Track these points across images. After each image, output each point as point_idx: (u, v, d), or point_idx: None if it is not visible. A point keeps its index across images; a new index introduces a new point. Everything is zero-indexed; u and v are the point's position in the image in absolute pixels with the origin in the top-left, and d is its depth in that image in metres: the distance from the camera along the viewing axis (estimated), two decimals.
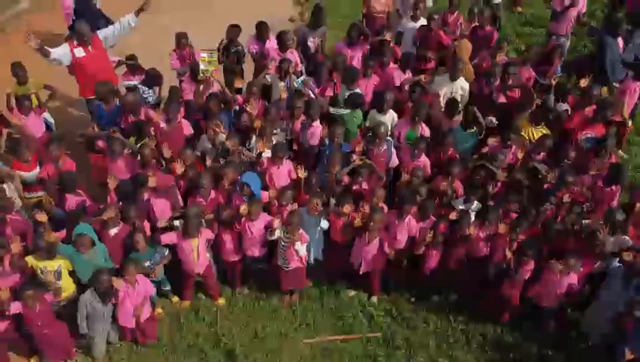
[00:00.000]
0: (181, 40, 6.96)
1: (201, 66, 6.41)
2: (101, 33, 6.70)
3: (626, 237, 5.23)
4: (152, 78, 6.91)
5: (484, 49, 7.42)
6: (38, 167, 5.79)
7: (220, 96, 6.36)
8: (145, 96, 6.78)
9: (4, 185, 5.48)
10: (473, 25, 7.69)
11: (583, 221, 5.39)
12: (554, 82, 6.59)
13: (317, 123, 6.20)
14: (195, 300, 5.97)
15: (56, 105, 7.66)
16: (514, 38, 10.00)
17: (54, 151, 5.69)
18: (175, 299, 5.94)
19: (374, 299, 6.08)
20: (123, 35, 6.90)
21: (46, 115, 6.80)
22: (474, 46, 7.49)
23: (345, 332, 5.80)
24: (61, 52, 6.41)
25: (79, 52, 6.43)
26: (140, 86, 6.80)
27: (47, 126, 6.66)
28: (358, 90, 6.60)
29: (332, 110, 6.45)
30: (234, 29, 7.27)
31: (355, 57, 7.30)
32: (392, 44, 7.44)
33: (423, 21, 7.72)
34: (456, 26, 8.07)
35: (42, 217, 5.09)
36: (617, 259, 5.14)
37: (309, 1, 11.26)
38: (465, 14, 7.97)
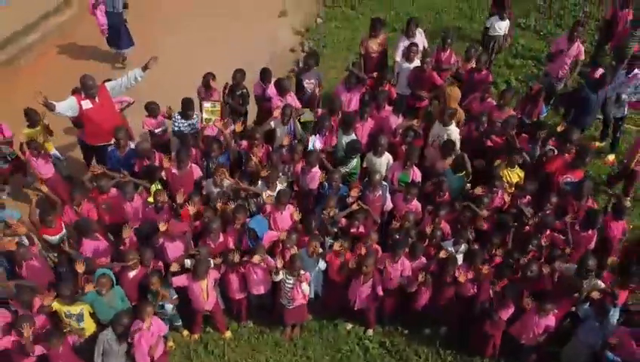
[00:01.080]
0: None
1: (205, 115, 6.88)
2: (109, 85, 7.12)
3: (599, 282, 5.70)
4: (186, 104, 7.22)
5: (477, 91, 7.90)
6: (63, 230, 6.16)
7: (221, 141, 6.83)
8: (181, 127, 7.24)
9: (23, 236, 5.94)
10: (470, 66, 8.16)
11: (563, 265, 5.86)
12: (541, 134, 7.01)
13: (316, 168, 6.66)
14: (203, 334, 6.45)
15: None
16: (505, 70, 10.50)
17: (77, 199, 6.16)
18: (185, 332, 6.43)
19: (370, 332, 6.56)
20: (129, 87, 7.31)
21: (54, 151, 7.34)
22: (468, 87, 8.01)
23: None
24: (66, 106, 6.80)
25: (86, 104, 6.85)
26: (175, 117, 7.24)
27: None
28: (354, 137, 7.07)
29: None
30: (239, 74, 7.73)
31: (353, 100, 7.76)
32: (390, 86, 7.94)
33: (417, 62, 8.20)
34: (449, 62, 8.58)
35: (80, 268, 5.53)
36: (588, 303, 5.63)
37: (309, 31, 11.75)
38: (462, 52, 8.48)
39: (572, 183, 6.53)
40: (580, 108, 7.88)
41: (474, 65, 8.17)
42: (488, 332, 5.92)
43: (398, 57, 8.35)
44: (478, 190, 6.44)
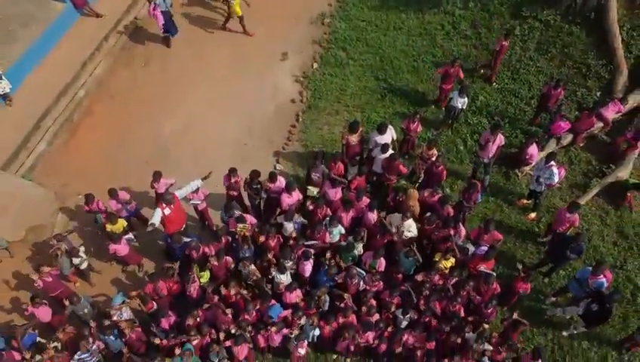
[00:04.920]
0: None
1: (240, 227, 9.79)
2: (178, 193, 10.02)
3: (488, 346, 9.14)
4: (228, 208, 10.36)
5: (433, 182, 10.79)
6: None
7: (248, 241, 9.86)
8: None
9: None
10: (431, 161, 10.89)
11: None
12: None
13: (308, 261, 9.73)
14: None
15: None
16: (464, 128, 13.06)
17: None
18: None
19: (348, 360, 10.12)
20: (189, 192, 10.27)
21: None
22: (427, 175, 10.89)
23: None
24: (158, 215, 9.67)
25: (167, 211, 9.79)
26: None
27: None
28: (342, 230, 10.04)
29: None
30: (255, 172, 10.54)
31: (337, 193, 10.59)
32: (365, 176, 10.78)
33: (390, 152, 10.93)
34: (416, 131, 11.82)
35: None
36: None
37: (306, 78, 14.03)
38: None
39: (484, 272, 9.70)
40: None
41: (435, 156, 10.94)
42: None
43: (376, 151, 11.02)
44: (419, 276, 9.63)
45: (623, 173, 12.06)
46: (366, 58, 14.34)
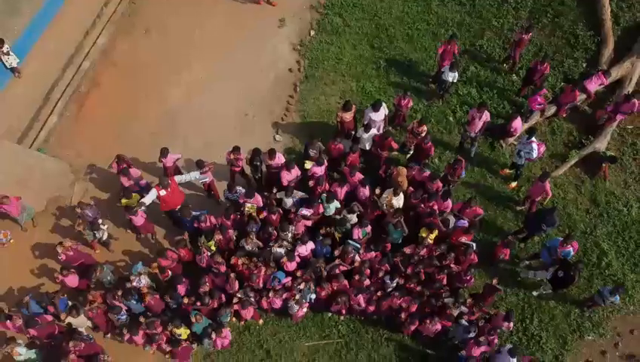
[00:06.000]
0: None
1: (248, 207, 10.73)
2: (177, 178, 10.88)
3: (464, 308, 10.41)
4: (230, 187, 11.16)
5: (421, 159, 11.66)
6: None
7: (256, 218, 10.88)
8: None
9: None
10: (421, 137, 11.68)
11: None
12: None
13: (307, 244, 10.78)
14: (246, 322, 11.31)
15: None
16: (454, 98, 13.68)
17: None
18: (234, 321, 11.29)
19: (342, 317, 11.45)
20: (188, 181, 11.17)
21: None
22: (417, 155, 11.75)
23: (326, 337, 11.31)
24: (152, 196, 10.65)
25: (162, 192, 10.71)
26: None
27: None
28: (338, 205, 11.02)
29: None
30: (255, 150, 11.36)
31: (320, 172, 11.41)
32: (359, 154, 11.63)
33: (374, 131, 11.73)
34: (407, 107, 12.54)
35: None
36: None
37: (304, 47, 14.44)
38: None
39: (466, 244, 10.79)
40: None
41: (425, 132, 11.74)
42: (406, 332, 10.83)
43: (360, 131, 11.82)
44: (407, 249, 10.75)
45: (601, 144, 12.89)
46: (362, 25, 14.66)
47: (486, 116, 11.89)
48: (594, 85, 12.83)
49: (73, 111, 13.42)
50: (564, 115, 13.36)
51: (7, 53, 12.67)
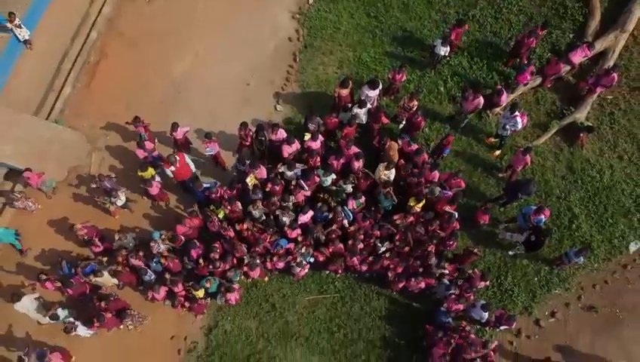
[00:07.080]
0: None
1: (248, 179, 11.81)
2: (185, 157, 11.94)
3: (446, 270, 11.83)
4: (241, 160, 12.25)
5: (412, 131, 12.64)
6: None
7: (258, 186, 12.00)
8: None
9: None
10: (412, 112, 12.58)
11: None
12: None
13: (306, 214, 11.94)
14: (254, 279, 12.76)
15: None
16: (445, 69, 14.37)
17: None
18: (243, 278, 12.73)
19: (338, 275, 12.90)
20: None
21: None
22: (408, 127, 12.70)
23: (324, 292, 12.81)
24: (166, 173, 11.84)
25: (172, 168, 11.84)
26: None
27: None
28: (333, 176, 12.12)
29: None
30: (260, 125, 12.30)
31: (315, 146, 12.40)
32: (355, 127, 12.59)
33: (375, 105, 12.62)
34: (401, 81, 13.31)
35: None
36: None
37: (303, 15, 14.91)
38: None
39: (450, 212, 12.01)
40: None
41: (415, 106, 12.64)
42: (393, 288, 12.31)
43: (355, 108, 12.68)
44: (397, 217, 11.99)
45: (581, 114, 13.80)
46: None
47: (479, 101, 12.71)
48: (578, 57, 13.54)
49: (84, 82, 14.14)
50: (549, 86, 14.15)
51: (19, 26, 13.24)
